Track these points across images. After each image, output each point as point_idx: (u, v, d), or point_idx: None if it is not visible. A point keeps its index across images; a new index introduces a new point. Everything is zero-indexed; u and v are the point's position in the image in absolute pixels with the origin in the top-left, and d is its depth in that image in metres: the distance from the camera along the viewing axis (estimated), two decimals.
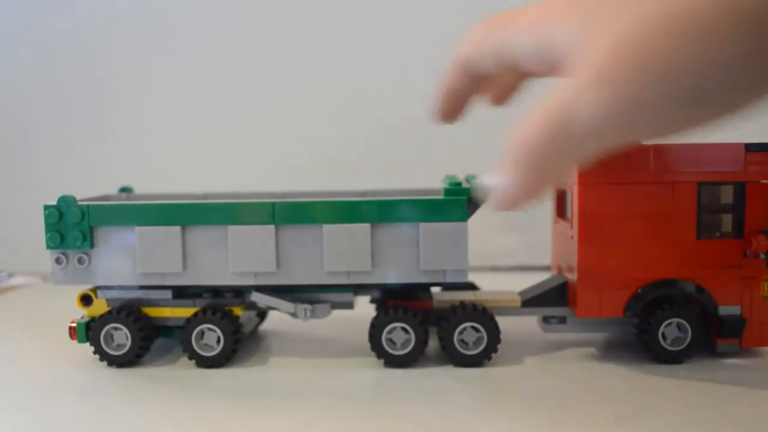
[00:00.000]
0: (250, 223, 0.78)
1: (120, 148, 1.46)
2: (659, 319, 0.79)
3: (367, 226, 0.77)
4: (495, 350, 0.80)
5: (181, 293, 0.84)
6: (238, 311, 0.84)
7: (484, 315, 0.80)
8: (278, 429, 0.65)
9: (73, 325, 0.84)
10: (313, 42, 1.41)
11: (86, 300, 0.85)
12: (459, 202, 0.77)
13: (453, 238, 0.77)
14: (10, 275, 1.49)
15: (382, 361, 0.82)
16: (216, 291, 0.84)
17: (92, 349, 0.85)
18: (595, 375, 0.78)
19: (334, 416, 0.68)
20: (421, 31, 1.40)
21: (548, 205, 1.34)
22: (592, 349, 0.86)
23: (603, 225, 0.78)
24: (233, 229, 0.78)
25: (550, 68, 0.61)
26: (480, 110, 1.34)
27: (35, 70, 1.49)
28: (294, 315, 0.83)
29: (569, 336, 0.91)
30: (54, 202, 0.80)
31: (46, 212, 0.80)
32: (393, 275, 0.79)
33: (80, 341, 0.83)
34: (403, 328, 0.80)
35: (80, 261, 0.81)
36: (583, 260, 0.79)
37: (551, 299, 0.85)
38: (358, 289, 0.85)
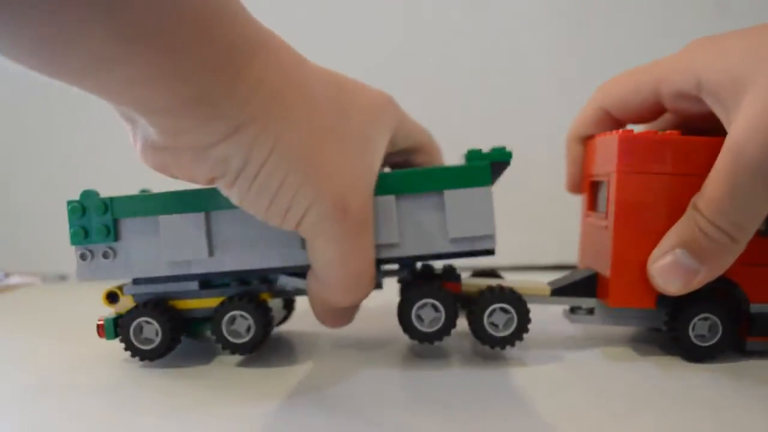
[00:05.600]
0: None
1: (121, 147, 1.45)
2: (690, 314, 0.78)
3: (391, 198, 0.76)
4: (526, 330, 0.79)
5: (208, 284, 0.83)
6: (267, 297, 0.83)
7: (512, 295, 0.79)
8: (290, 426, 0.64)
9: (101, 322, 0.82)
10: (322, 33, 1.41)
11: (112, 297, 0.84)
12: (483, 166, 0.76)
13: (479, 204, 0.76)
14: (8, 275, 1.47)
15: (401, 357, 0.81)
16: (242, 281, 0.84)
17: (94, 349, 0.84)
18: (618, 372, 0.77)
19: (358, 411, 0.66)
20: (428, 30, 1.41)
21: (548, 204, 1.34)
22: (620, 348, 0.85)
23: (639, 215, 0.78)
24: None
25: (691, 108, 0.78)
26: (482, 108, 1.33)
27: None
28: None
29: (596, 332, 0.91)
30: (76, 198, 0.79)
31: (70, 207, 0.78)
32: (421, 246, 0.77)
33: (108, 338, 0.82)
34: (434, 306, 0.79)
35: (105, 255, 0.79)
36: (618, 249, 0.78)
37: (581, 290, 0.84)
38: (386, 270, 0.83)
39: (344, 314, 0.79)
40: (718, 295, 0.79)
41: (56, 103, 1.47)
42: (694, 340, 0.78)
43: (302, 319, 0.98)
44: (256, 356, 0.85)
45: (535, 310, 0.82)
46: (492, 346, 0.79)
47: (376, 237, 0.75)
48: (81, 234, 0.78)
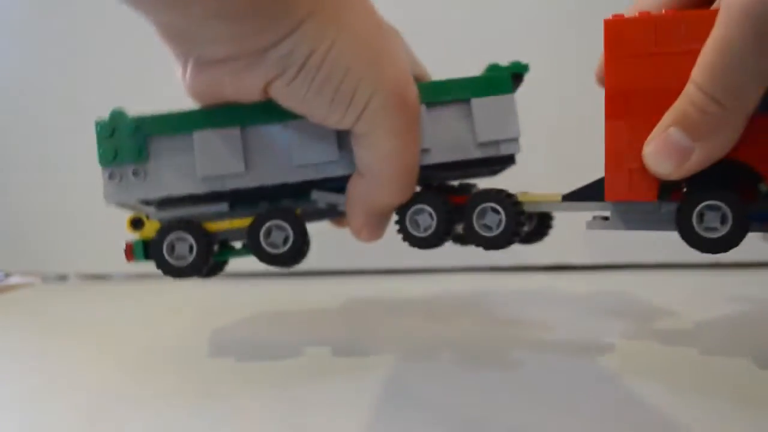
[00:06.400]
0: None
1: None
2: (694, 202, 0.71)
3: (422, 106, 0.78)
4: (516, 233, 0.78)
5: (237, 205, 0.83)
6: (299, 212, 0.82)
7: (500, 195, 0.78)
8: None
9: (128, 245, 0.81)
10: None
11: (137, 223, 0.82)
12: (505, 76, 0.81)
13: (504, 109, 0.80)
14: (8, 275, 1.47)
15: (391, 355, 0.81)
16: (273, 200, 0.84)
17: (94, 349, 0.84)
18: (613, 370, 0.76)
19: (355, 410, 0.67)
20: (426, 30, 1.41)
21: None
22: (616, 339, 0.84)
23: (633, 101, 0.71)
24: (294, 124, 0.77)
25: None
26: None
27: (37, 69, 1.48)
28: None
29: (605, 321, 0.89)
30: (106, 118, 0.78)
31: (99, 127, 0.78)
32: (450, 152, 0.80)
33: (138, 259, 0.81)
34: (429, 213, 0.79)
35: (135, 173, 0.79)
36: (611, 139, 0.73)
37: (592, 193, 0.78)
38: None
39: (382, 223, 0.81)
40: (730, 182, 0.71)
41: (56, 103, 1.47)
42: (701, 232, 0.71)
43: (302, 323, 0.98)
44: (247, 357, 0.85)
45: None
46: (486, 248, 0.78)
47: None
48: (110, 154, 0.78)
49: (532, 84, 1.42)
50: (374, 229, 0.81)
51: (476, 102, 0.80)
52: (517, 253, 1.41)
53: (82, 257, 1.48)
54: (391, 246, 0.86)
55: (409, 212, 0.79)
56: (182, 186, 0.79)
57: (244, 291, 1.30)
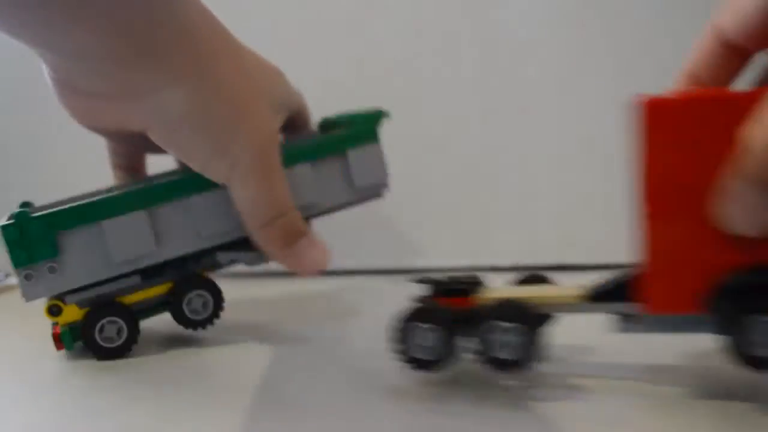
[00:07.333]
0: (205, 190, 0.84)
1: None
2: (744, 311, 0.57)
3: (306, 165, 0.90)
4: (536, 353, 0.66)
5: (149, 275, 0.86)
6: (204, 273, 0.90)
7: (514, 309, 0.65)
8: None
9: (56, 332, 0.83)
10: (324, 34, 1.41)
11: (55, 310, 0.83)
12: (370, 128, 0.94)
13: (376, 157, 0.95)
14: (8, 275, 1.47)
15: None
16: (180, 262, 0.87)
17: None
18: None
19: None
20: (427, 31, 1.41)
21: (548, 204, 1.34)
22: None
23: (681, 195, 0.59)
24: (196, 199, 0.84)
25: None
26: (483, 107, 1.32)
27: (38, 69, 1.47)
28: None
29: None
30: (9, 220, 0.78)
31: (5, 231, 0.76)
32: (330, 201, 0.93)
33: (68, 348, 0.83)
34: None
35: (51, 270, 0.79)
36: (657, 242, 0.60)
37: (622, 293, 0.64)
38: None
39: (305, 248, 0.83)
40: None
41: (56, 103, 1.47)
42: (754, 350, 0.57)
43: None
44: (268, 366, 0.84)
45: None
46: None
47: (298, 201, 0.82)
48: (23, 256, 0.77)
49: (532, 85, 1.42)
50: (302, 257, 0.83)
51: (351, 153, 0.91)
52: (518, 253, 1.41)
53: None
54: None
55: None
56: (99, 273, 0.81)
57: (251, 290, 1.30)
